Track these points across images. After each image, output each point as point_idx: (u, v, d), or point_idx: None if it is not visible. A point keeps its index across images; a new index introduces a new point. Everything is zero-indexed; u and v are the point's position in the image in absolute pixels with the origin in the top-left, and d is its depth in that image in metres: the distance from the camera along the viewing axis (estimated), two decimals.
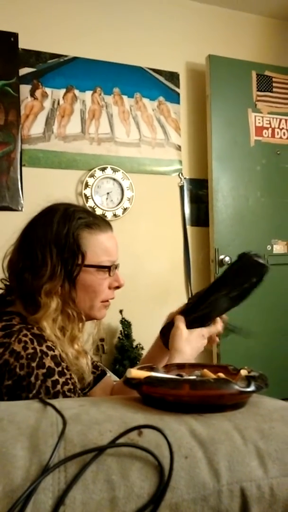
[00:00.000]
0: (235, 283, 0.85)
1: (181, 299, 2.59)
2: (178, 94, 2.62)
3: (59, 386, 0.72)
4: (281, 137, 2.70)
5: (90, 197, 2.35)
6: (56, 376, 0.72)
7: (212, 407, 0.52)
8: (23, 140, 2.25)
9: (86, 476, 0.38)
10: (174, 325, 0.89)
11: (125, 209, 2.44)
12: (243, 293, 0.86)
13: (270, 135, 2.67)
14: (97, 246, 0.84)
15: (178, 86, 2.62)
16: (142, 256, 2.47)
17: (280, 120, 2.71)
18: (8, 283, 0.87)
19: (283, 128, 2.71)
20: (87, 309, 0.85)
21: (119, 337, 2.29)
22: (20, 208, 2.21)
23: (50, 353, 0.73)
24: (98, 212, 2.35)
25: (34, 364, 0.70)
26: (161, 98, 2.58)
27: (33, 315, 0.78)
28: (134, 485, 0.39)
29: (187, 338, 0.87)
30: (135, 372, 0.55)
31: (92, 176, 2.36)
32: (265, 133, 2.66)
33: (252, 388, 0.52)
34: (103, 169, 2.39)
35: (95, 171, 2.37)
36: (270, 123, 2.68)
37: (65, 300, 0.82)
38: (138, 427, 0.43)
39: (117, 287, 0.90)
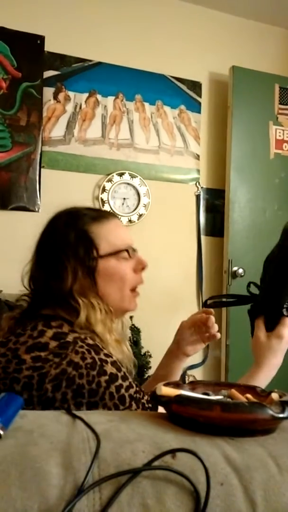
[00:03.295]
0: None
1: (192, 309, 2.57)
2: (200, 103, 2.62)
3: (123, 390, 0.72)
4: None
5: (107, 201, 2.35)
6: (120, 381, 0.72)
7: (243, 431, 0.50)
8: (44, 142, 2.26)
9: (121, 499, 0.37)
10: (254, 334, 0.88)
11: (140, 215, 2.43)
12: None
13: None
14: (108, 234, 0.86)
15: (200, 96, 2.62)
16: (155, 263, 2.45)
17: None
18: (31, 297, 0.88)
19: None
20: (118, 301, 0.86)
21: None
22: (37, 209, 2.21)
23: (110, 359, 0.74)
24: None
25: (94, 373, 0.71)
26: (182, 107, 2.58)
27: (76, 318, 0.79)
28: (170, 511, 0.38)
29: (265, 345, 0.86)
30: (165, 390, 0.54)
31: (109, 181, 2.36)
32: (285, 147, 2.64)
33: (286, 414, 0.50)
34: (121, 175, 2.39)
35: (113, 176, 2.37)
36: None
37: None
38: (174, 450, 0.41)
39: (142, 269, 0.90)
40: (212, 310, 0.97)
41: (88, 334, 0.78)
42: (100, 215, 0.88)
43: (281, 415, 0.50)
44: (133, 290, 0.89)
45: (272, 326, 0.87)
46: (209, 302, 1.00)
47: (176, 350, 1.02)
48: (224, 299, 0.92)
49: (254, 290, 0.92)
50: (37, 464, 0.39)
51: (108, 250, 0.84)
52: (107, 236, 0.85)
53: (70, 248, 0.82)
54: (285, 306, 0.85)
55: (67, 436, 0.44)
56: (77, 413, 0.51)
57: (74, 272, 0.81)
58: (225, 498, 0.40)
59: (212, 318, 0.97)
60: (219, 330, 2.62)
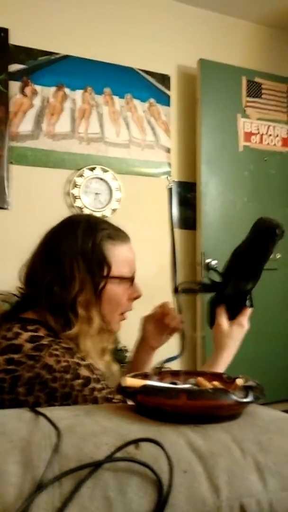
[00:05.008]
0: (252, 253, 0.85)
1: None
2: (169, 96, 2.62)
3: (96, 393, 0.72)
4: (268, 144, 2.72)
5: (78, 197, 2.32)
6: (93, 384, 0.72)
7: (209, 417, 0.51)
8: (11, 137, 2.21)
9: (82, 493, 0.37)
10: (216, 322, 0.92)
11: (113, 210, 2.42)
12: (262, 258, 0.85)
13: (258, 141, 2.69)
14: (120, 257, 0.86)
15: (169, 89, 2.62)
16: None
17: (269, 126, 2.73)
18: (23, 291, 0.86)
19: (271, 134, 2.73)
20: (106, 322, 0.85)
21: None
22: (6, 206, 2.16)
23: (83, 363, 0.73)
24: (86, 212, 2.33)
25: (68, 376, 0.70)
26: (152, 100, 2.57)
27: (64, 329, 0.78)
28: (132, 502, 0.37)
29: (228, 333, 0.90)
30: (130, 381, 0.54)
31: (80, 175, 2.33)
32: (254, 139, 2.67)
33: (250, 398, 0.51)
34: (92, 169, 2.36)
35: (83, 171, 2.34)
36: (258, 129, 2.69)
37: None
38: (137, 441, 0.41)
39: (136, 298, 0.91)
40: (169, 307, 0.98)
41: (70, 342, 0.77)
42: (118, 234, 0.88)
43: (244, 400, 0.50)
44: (122, 313, 0.90)
45: (234, 315, 0.91)
46: (180, 287, 1.02)
47: (142, 344, 1.03)
48: (194, 286, 0.95)
49: (215, 277, 0.95)
50: None
51: (116, 274, 0.84)
52: (119, 259, 0.85)
53: (85, 258, 0.81)
54: (248, 297, 0.89)
55: (28, 433, 0.43)
56: (40, 409, 0.50)
57: (81, 283, 0.80)
58: (188, 486, 0.40)
59: (172, 313, 0.98)
60: (194, 323, 2.62)
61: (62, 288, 0.79)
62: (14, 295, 0.86)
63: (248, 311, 0.91)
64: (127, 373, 1.05)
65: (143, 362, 1.03)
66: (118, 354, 2.23)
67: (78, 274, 0.80)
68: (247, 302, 0.90)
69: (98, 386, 0.73)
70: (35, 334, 0.75)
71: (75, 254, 0.81)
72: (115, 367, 0.86)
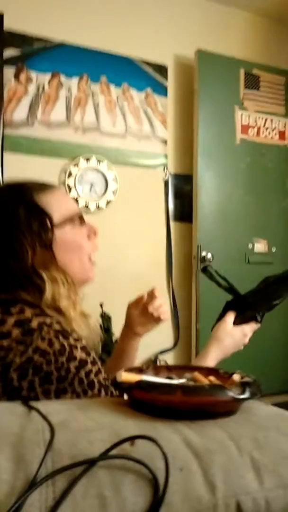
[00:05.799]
0: None
1: (162, 294, 2.57)
2: (166, 87, 2.58)
3: (92, 376, 0.71)
4: (266, 136, 2.71)
5: (73, 187, 2.30)
6: (90, 366, 0.71)
7: (205, 414, 0.50)
8: (5, 124, 2.17)
9: (76, 491, 0.36)
10: (223, 319, 0.96)
11: (108, 201, 2.40)
12: None
13: (255, 134, 2.67)
14: (58, 203, 0.83)
15: (166, 79, 2.58)
16: (124, 250, 2.44)
17: (266, 119, 2.71)
18: None
19: (268, 127, 2.72)
20: (78, 271, 0.83)
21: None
22: None
23: (79, 344, 0.71)
24: (81, 202, 2.30)
25: (63, 359, 0.69)
26: (149, 90, 2.54)
27: (41, 297, 0.75)
28: (127, 501, 0.37)
29: (229, 331, 0.93)
30: (125, 376, 0.53)
31: (76, 165, 2.31)
32: (251, 132, 2.66)
33: (246, 395, 0.50)
34: (87, 159, 2.34)
35: (79, 160, 2.31)
36: (256, 122, 2.67)
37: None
38: (132, 438, 0.40)
39: (95, 234, 0.88)
40: (154, 294, 0.98)
41: (54, 317, 0.75)
42: (43, 185, 0.85)
43: (241, 396, 0.50)
44: (89, 258, 0.87)
45: (241, 322, 0.96)
46: (208, 269, 1.03)
47: (127, 331, 1.02)
48: (220, 279, 0.98)
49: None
50: None
51: (61, 219, 0.81)
52: (57, 205, 0.82)
53: (23, 222, 0.78)
54: (260, 314, 0.97)
55: (20, 428, 0.42)
56: (34, 403, 0.49)
57: (32, 247, 0.77)
58: (184, 483, 0.40)
59: (155, 302, 0.96)
60: (189, 315, 2.61)
61: (17, 259, 0.77)
62: None
63: (255, 326, 0.97)
64: (112, 359, 1.05)
65: (126, 349, 1.02)
66: (113, 346, 2.23)
67: (25, 240, 0.77)
68: (258, 317, 0.96)
69: (94, 368, 0.72)
70: (22, 317, 0.72)
71: (13, 222, 0.78)
72: (91, 320, 0.83)
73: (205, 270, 1.01)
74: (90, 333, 0.81)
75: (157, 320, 0.99)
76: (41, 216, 0.79)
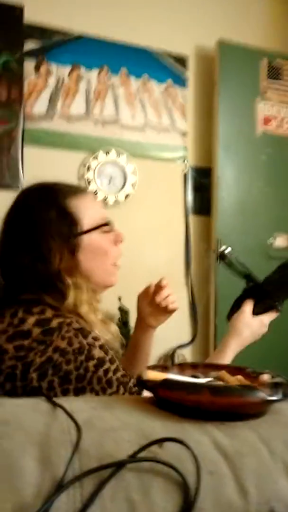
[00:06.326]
0: None
1: (180, 288, 2.56)
2: (186, 78, 2.54)
3: (110, 374, 0.70)
4: None
5: (93, 180, 2.29)
6: (108, 364, 0.70)
7: (234, 415, 0.48)
8: (26, 118, 2.17)
9: (104, 494, 0.34)
10: (241, 309, 0.93)
11: (127, 195, 2.38)
12: None
13: (277, 126, 2.61)
14: (88, 208, 0.83)
15: (187, 70, 2.54)
16: (142, 243, 2.42)
17: None
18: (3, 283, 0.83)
19: None
20: (101, 277, 0.83)
21: (116, 324, 2.26)
22: (20, 188, 2.14)
23: (97, 343, 0.71)
24: (100, 196, 2.29)
25: (82, 358, 0.68)
26: (169, 81, 2.50)
27: (63, 302, 0.75)
28: (156, 505, 0.35)
29: (248, 322, 0.92)
30: (151, 374, 0.51)
31: (95, 158, 2.29)
32: (273, 123, 2.59)
33: (278, 396, 0.48)
34: (106, 152, 2.32)
35: (98, 154, 2.30)
36: (278, 113, 2.61)
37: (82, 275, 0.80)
38: (161, 440, 0.39)
39: (121, 241, 0.88)
40: (160, 285, 0.95)
41: (74, 318, 0.74)
42: (75, 188, 0.85)
43: (273, 398, 0.48)
44: (114, 264, 0.87)
45: (259, 312, 0.93)
46: (229, 255, 1.00)
47: (139, 323, 1.01)
48: (239, 265, 0.95)
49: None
50: (11, 460, 0.35)
51: (90, 225, 0.81)
52: (87, 210, 0.82)
53: (53, 226, 0.78)
54: (279, 302, 0.94)
55: (45, 426, 0.41)
56: (58, 400, 0.48)
57: (60, 252, 0.77)
58: (215, 488, 0.38)
59: (162, 292, 0.94)
60: (208, 309, 2.58)
61: (44, 263, 0.76)
62: None
63: (274, 315, 0.94)
64: (128, 351, 1.04)
65: (140, 341, 1.01)
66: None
67: (54, 243, 0.77)
68: (278, 306, 0.93)
69: (113, 366, 0.71)
70: (43, 317, 0.72)
71: (43, 225, 0.78)
72: (113, 326, 0.84)
73: (223, 257, 0.97)
74: (111, 339, 0.81)
75: (166, 310, 0.96)
76: (71, 221, 0.79)
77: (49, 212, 0.78)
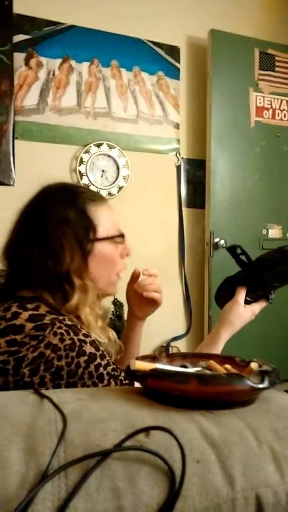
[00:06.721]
0: None
1: (175, 281, 2.56)
2: (178, 69, 2.52)
3: (101, 369, 0.71)
4: (281, 119, 2.64)
5: (85, 174, 2.28)
6: (98, 360, 0.71)
7: (222, 403, 0.48)
8: (16, 111, 2.15)
9: (90, 483, 0.34)
10: (234, 299, 0.93)
11: (120, 188, 2.37)
12: None
13: (270, 116, 2.60)
14: (105, 217, 0.84)
15: (179, 61, 2.52)
16: (136, 236, 2.40)
17: (282, 101, 2.63)
18: (8, 272, 0.83)
19: (284, 109, 2.64)
20: (105, 285, 0.84)
21: (111, 318, 2.26)
22: (12, 183, 2.13)
23: (88, 339, 0.72)
24: (93, 189, 2.28)
25: (73, 354, 0.69)
26: (161, 73, 2.48)
27: (63, 302, 0.76)
28: (142, 493, 0.35)
29: (241, 314, 0.92)
30: (139, 364, 0.51)
31: (87, 152, 2.28)
32: (266, 114, 2.59)
33: (266, 384, 0.48)
34: (98, 145, 2.31)
35: (90, 147, 2.29)
36: (271, 104, 2.60)
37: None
38: (147, 429, 0.39)
39: (127, 255, 0.90)
40: (151, 272, 0.94)
41: (69, 316, 0.74)
42: (96, 195, 0.86)
43: (260, 386, 0.48)
44: (118, 275, 0.88)
45: (251, 300, 0.94)
46: (231, 247, 0.97)
47: (128, 313, 1.02)
48: (239, 251, 0.93)
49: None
50: None
51: (105, 234, 0.82)
52: (104, 219, 0.83)
53: (70, 226, 0.78)
54: (272, 292, 0.94)
55: (32, 418, 0.41)
56: (45, 392, 0.48)
57: (71, 253, 0.78)
58: (201, 476, 0.38)
59: (143, 281, 0.93)
60: (201, 301, 2.58)
61: (55, 261, 0.77)
62: (3, 271, 0.83)
63: (264, 304, 0.94)
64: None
65: (131, 333, 1.02)
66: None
67: (67, 243, 0.77)
68: (270, 296, 0.93)
69: (104, 362, 0.72)
70: (36, 312, 0.73)
71: (60, 224, 0.78)
72: (112, 333, 0.84)
73: (232, 249, 0.94)
74: (109, 344, 0.81)
75: (150, 302, 0.95)
76: (89, 226, 0.80)
77: (69, 212, 0.79)
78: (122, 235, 0.87)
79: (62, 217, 0.78)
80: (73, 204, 0.80)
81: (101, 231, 0.82)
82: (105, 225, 0.83)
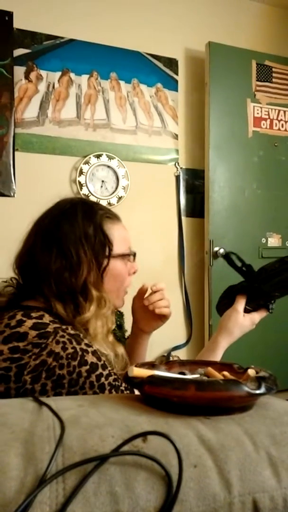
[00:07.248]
0: None
1: (175, 290, 2.56)
2: (177, 81, 2.56)
3: (103, 379, 0.71)
4: (279, 129, 2.67)
5: (85, 184, 2.30)
6: (100, 370, 0.72)
7: (219, 409, 0.49)
8: (16, 124, 2.18)
9: (87, 488, 0.35)
10: (233, 307, 0.94)
11: (119, 198, 2.39)
12: None
13: (268, 127, 2.63)
14: (119, 235, 0.87)
15: (177, 73, 2.56)
16: (136, 246, 2.41)
17: (279, 111, 2.66)
18: (18, 281, 0.85)
19: (281, 119, 2.67)
20: (113, 299, 0.86)
21: None
22: (12, 194, 2.15)
23: (90, 349, 0.72)
24: (93, 200, 2.30)
25: (75, 363, 0.69)
26: (159, 85, 2.52)
27: (74, 314, 0.77)
28: (140, 498, 0.36)
29: (241, 323, 0.93)
30: (137, 371, 0.52)
31: (87, 163, 2.30)
32: (263, 124, 2.62)
33: (262, 390, 0.49)
34: (98, 156, 2.33)
35: (90, 158, 2.31)
36: (268, 114, 2.63)
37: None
38: (144, 434, 0.39)
39: (134, 272, 0.93)
40: (159, 287, 0.96)
41: (71, 326, 0.75)
42: (112, 213, 0.89)
43: (257, 392, 0.48)
44: (125, 291, 0.91)
45: (251, 309, 0.94)
46: (230, 255, 0.98)
47: (134, 326, 1.03)
48: (237, 260, 0.93)
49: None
50: None
51: (119, 252, 0.85)
52: (118, 237, 0.86)
53: (89, 241, 0.81)
54: (272, 302, 0.95)
55: (31, 424, 0.41)
56: (44, 399, 0.48)
57: (88, 266, 0.80)
58: (198, 480, 0.38)
59: (152, 297, 0.95)
60: (202, 311, 2.58)
61: (72, 274, 0.78)
62: (8, 286, 0.85)
63: (264, 314, 0.94)
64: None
65: (135, 346, 1.02)
66: (125, 342, 2.23)
67: (85, 257, 0.80)
68: (270, 306, 0.93)
69: (105, 372, 0.72)
70: (40, 321, 0.73)
71: (79, 238, 0.80)
72: (121, 348, 0.85)
73: (227, 257, 0.95)
74: (116, 360, 0.83)
75: (158, 316, 0.96)
76: (105, 242, 0.83)
77: (87, 227, 0.81)
78: (133, 254, 0.90)
79: (81, 231, 0.81)
80: (92, 219, 0.83)
81: (116, 249, 0.84)
82: (119, 243, 0.86)
